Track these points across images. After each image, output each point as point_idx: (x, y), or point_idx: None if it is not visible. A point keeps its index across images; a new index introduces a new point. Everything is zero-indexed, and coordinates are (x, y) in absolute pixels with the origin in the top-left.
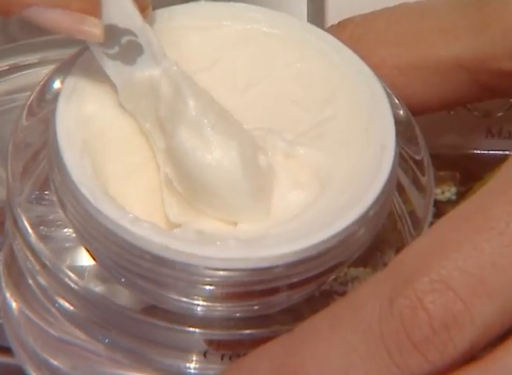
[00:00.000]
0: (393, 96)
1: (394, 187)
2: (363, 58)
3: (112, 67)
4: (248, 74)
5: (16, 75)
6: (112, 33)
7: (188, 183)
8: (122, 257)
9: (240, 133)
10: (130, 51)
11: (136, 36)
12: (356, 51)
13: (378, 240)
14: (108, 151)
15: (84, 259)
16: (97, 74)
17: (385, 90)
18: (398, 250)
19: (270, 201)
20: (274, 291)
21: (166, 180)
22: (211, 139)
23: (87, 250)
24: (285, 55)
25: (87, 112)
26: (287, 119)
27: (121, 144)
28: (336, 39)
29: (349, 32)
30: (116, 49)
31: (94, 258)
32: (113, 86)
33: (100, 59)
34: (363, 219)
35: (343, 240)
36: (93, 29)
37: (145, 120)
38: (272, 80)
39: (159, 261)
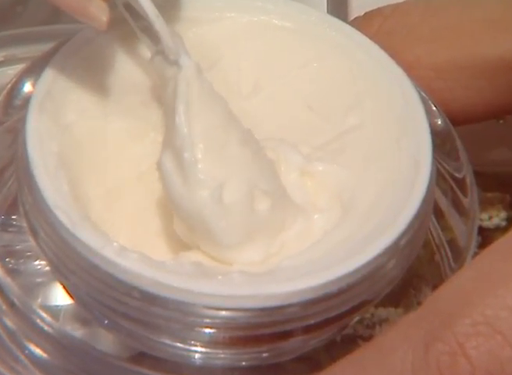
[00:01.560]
0: (430, 102)
1: (431, 210)
2: (393, 56)
3: (142, 37)
4: (256, 76)
5: None
6: (132, 12)
7: (172, 207)
8: (105, 294)
9: (234, 171)
10: (151, 34)
11: (151, 25)
12: (385, 48)
13: (411, 274)
14: (89, 167)
15: (60, 297)
16: (77, 75)
17: (420, 95)
18: (435, 286)
19: (268, 246)
20: (287, 334)
21: None
22: (189, 175)
23: (63, 286)
24: (300, 53)
25: (64, 121)
26: (303, 129)
27: (105, 159)
28: (361, 34)
29: (377, 25)
30: (141, 25)
31: (71, 296)
32: (96, 89)
33: (132, 25)
34: (393, 250)
35: (370, 274)
36: (99, 13)
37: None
38: (285, 83)
39: (149, 298)
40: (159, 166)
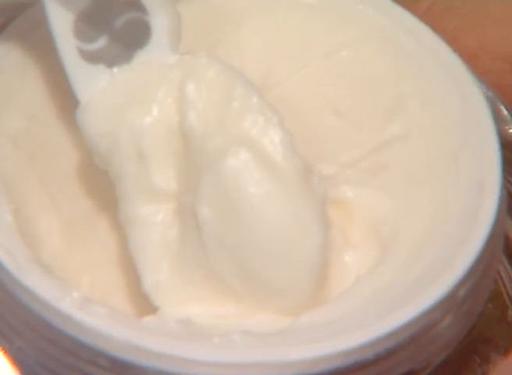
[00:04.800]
0: (499, 104)
1: (500, 249)
2: (450, 42)
3: (83, 68)
4: (264, 68)
5: None
6: (104, 13)
7: (234, 230)
8: (61, 362)
9: None
10: (127, 41)
11: (145, 12)
12: (439, 31)
13: (475, 336)
14: (42, 192)
15: (1, 366)
16: (23, 68)
17: (486, 94)
18: (508, 352)
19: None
20: None
21: (165, 237)
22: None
23: (5, 351)
24: (324, 38)
25: (8, 130)
26: (327, 140)
27: (62, 181)
28: (407, 12)
29: (428, 1)
30: (103, 41)
31: (15, 365)
32: (49, 86)
33: (66, 59)
34: (449, 302)
35: (417, 335)
36: None
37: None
38: (304, 78)
39: (122, 368)
40: (231, 168)
